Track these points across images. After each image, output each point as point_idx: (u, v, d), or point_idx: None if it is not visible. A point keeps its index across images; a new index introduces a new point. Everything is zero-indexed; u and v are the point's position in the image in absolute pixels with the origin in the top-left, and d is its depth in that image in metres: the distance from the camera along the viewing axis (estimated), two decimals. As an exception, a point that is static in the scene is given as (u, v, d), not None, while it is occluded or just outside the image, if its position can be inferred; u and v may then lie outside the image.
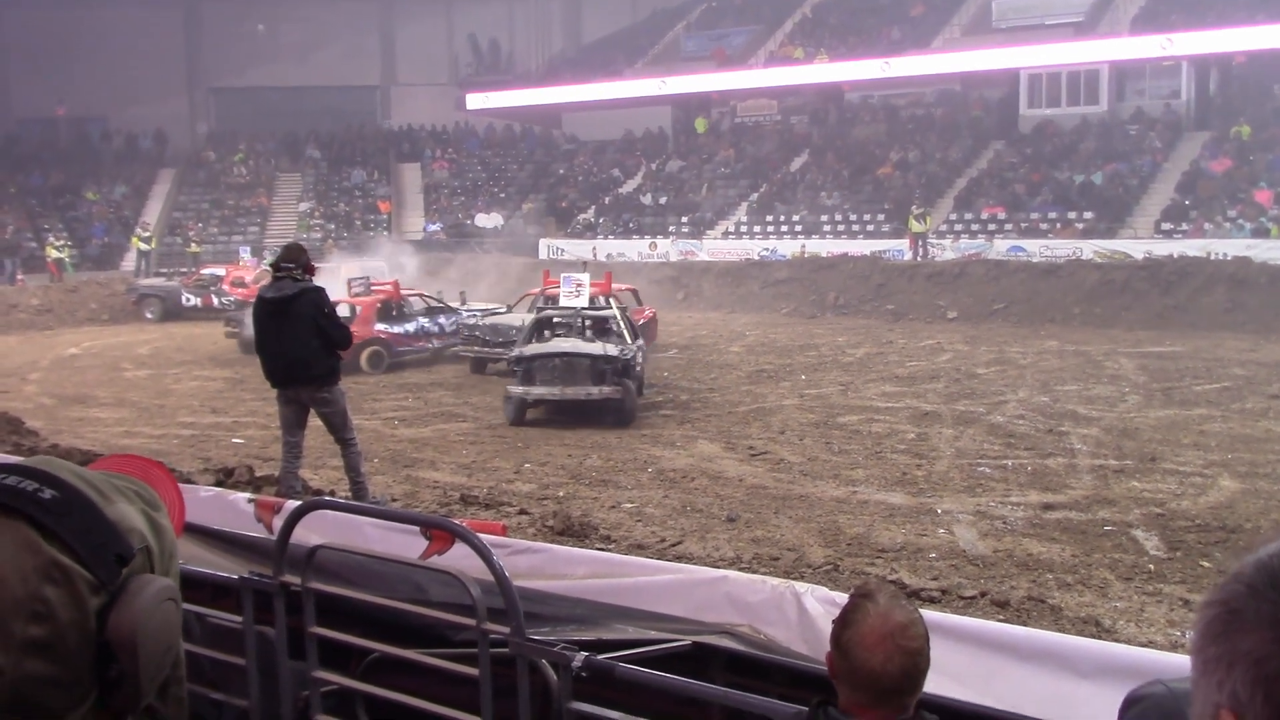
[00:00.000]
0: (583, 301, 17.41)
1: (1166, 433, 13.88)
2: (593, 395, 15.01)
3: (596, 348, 15.60)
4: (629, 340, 16.69)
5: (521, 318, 20.55)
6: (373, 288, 22.23)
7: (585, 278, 17.97)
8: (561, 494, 11.41)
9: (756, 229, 36.99)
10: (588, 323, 17.07)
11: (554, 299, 21.38)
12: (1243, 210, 29.90)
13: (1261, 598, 0.84)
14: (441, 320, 22.36)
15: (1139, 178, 33.24)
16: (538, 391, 15.18)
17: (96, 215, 42.46)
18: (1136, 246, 29.29)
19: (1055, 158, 35.37)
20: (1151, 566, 8.71)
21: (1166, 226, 30.43)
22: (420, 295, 23.08)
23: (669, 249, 36.50)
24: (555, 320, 17.46)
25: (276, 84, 51.55)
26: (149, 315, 31.36)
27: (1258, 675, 0.82)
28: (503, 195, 44.57)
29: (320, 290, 9.62)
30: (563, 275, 18.36)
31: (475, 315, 22.38)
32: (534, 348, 15.77)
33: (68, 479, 1.15)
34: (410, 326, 21.79)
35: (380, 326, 21.18)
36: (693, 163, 42.91)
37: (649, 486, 11.79)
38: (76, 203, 43.18)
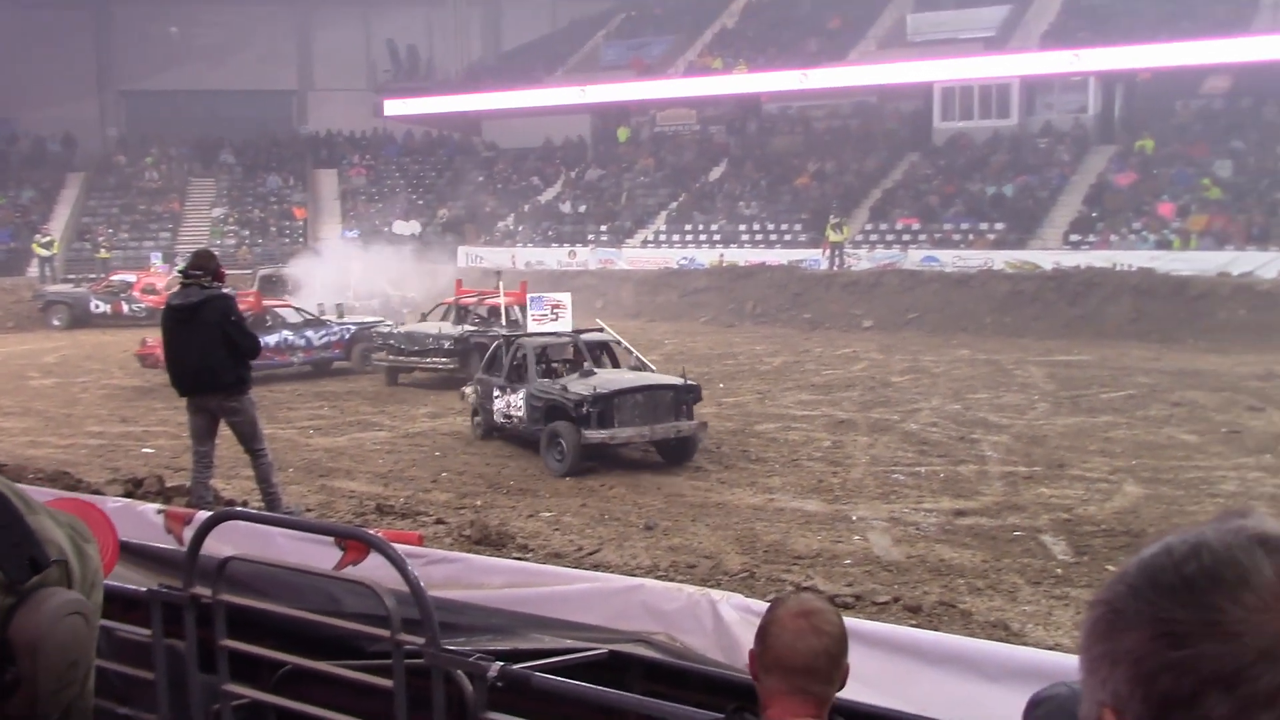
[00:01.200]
0: (564, 326, 15.82)
1: (1074, 440, 14.19)
2: (682, 431, 13.30)
3: (673, 378, 14.04)
4: (649, 365, 15.28)
5: (438, 326, 20.14)
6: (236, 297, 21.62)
7: (566, 298, 16.33)
8: (479, 503, 11.36)
9: (675, 238, 37.15)
10: (586, 350, 15.03)
11: (466, 309, 21.07)
12: (1147, 223, 30.69)
13: (1142, 598, 0.87)
14: (309, 334, 21.52)
15: (1048, 190, 33.97)
16: (625, 433, 13.04)
17: (2, 220, 41.27)
18: (1045, 257, 29.92)
19: (968, 170, 36.01)
20: (1059, 571, 8.90)
21: (1074, 238, 31.13)
22: (290, 307, 22.18)
23: (588, 257, 36.52)
24: (548, 348, 15.39)
25: (190, 87, 50.63)
26: (56, 322, 30.63)
27: (1137, 674, 0.85)
28: (421, 202, 44.25)
29: (228, 297, 9.49)
30: (531, 296, 16.94)
31: (350, 328, 21.91)
32: (604, 382, 13.53)
33: None
34: (271, 340, 20.38)
35: None
36: (612, 171, 42.99)
37: (567, 495, 11.79)
38: (-19, 207, 42.03)
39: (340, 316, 22.63)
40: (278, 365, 20.67)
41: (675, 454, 13.40)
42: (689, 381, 13.78)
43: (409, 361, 19.81)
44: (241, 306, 20.66)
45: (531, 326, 16.25)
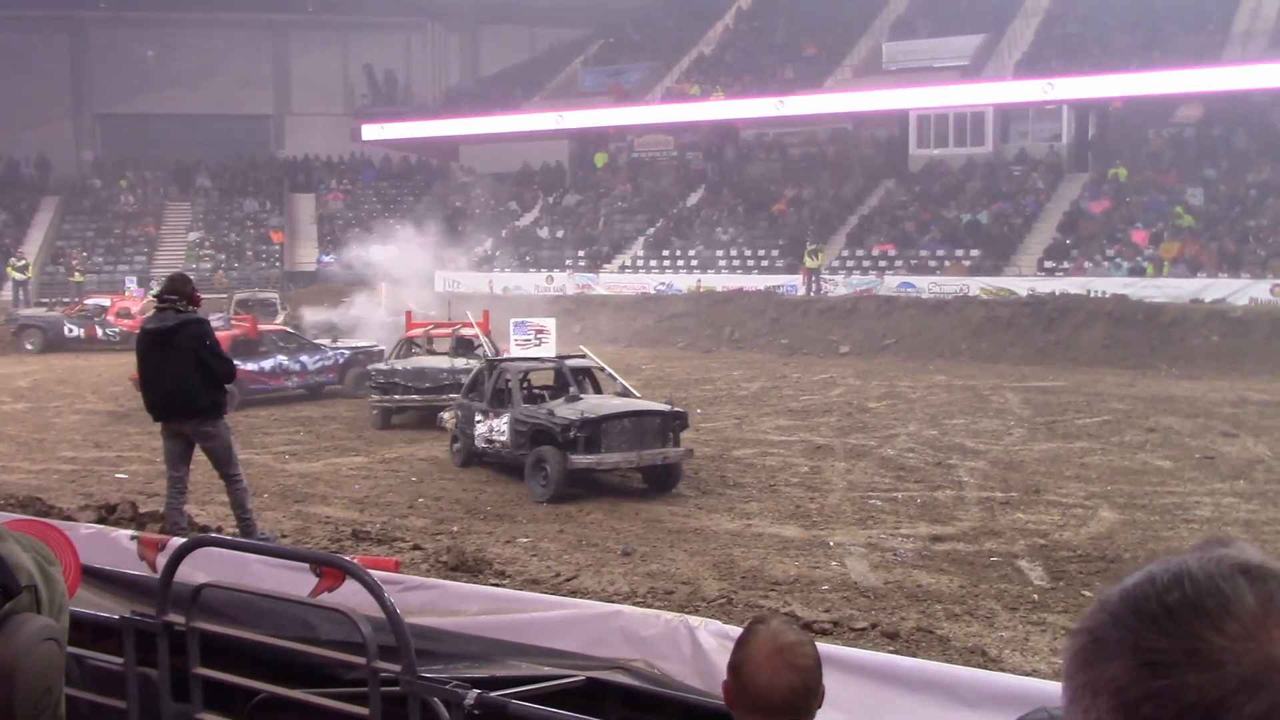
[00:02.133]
0: (548, 351, 15.54)
1: (1050, 465, 14.24)
2: (669, 458, 13.14)
3: (660, 404, 13.95)
4: (633, 391, 15.00)
5: (450, 360, 19.06)
6: (232, 322, 21.91)
7: (550, 323, 16.03)
8: (456, 529, 11.30)
9: (653, 263, 37.21)
10: (573, 375, 14.67)
11: (413, 341, 20.60)
12: (1120, 250, 30.94)
13: (1124, 626, 0.87)
14: (304, 358, 21.55)
15: (1023, 217, 34.20)
16: (612, 459, 12.86)
17: (-25, 243, 41.08)
18: (1020, 284, 30.10)
19: (943, 196, 36.22)
20: (1036, 596, 8.91)
21: (1049, 265, 31.33)
22: (285, 330, 22.58)
23: (566, 282, 36.54)
24: (530, 372, 15.13)
25: (166, 111, 50.43)
26: (29, 346, 30.41)
27: (1120, 703, 0.85)
28: (398, 227, 44.15)
29: (202, 322, 9.45)
30: (514, 320, 16.69)
31: (345, 353, 21.83)
32: (591, 407, 13.40)
33: None
34: (267, 364, 20.88)
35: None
36: (590, 196, 43.07)
37: (544, 521, 11.75)
38: (-47, 230, 41.75)
39: (334, 341, 22.72)
40: (272, 389, 20.84)
41: (661, 481, 13.22)
42: (676, 408, 13.65)
43: (425, 400, 18.22)
44: (237, 332, 21.01)
45: (514, 351, 16.01)
